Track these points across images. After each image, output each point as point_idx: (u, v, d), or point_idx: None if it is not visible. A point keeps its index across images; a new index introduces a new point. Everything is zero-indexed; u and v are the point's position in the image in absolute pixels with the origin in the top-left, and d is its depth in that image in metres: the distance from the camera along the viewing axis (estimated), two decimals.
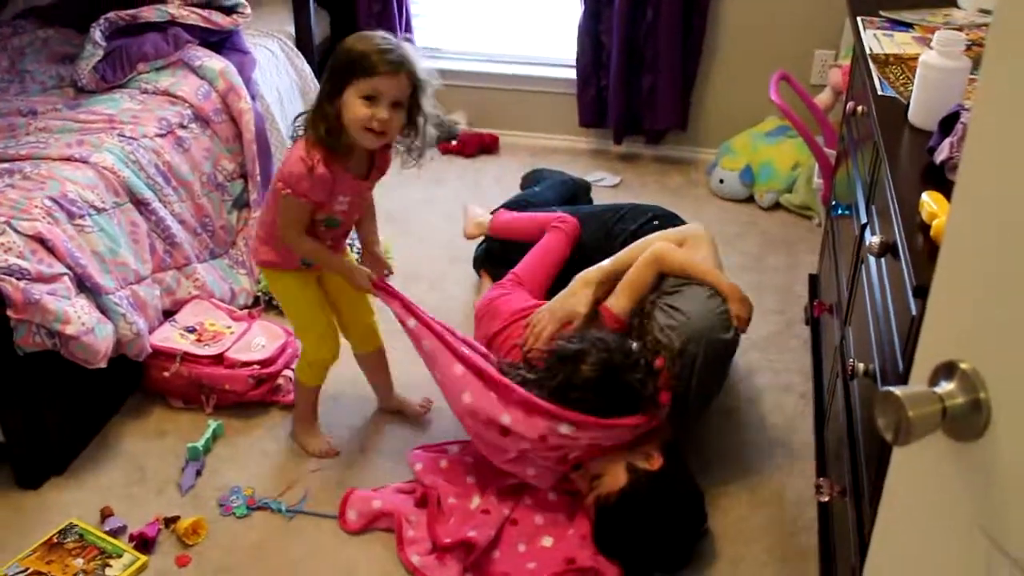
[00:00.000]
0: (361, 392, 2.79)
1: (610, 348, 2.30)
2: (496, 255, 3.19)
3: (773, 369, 2.89)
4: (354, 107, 2.15)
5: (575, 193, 3.48)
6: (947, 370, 0.91)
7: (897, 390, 0.89)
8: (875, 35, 2.41)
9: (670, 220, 2.91)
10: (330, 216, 2.33)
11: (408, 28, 4.23)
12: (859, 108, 2.40)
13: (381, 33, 2.21)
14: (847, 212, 2.42)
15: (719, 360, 2.46)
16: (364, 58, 2.13)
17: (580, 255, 2.89)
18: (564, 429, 2.22)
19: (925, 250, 1.47)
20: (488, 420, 2.28)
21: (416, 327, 2.39)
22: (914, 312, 1.47)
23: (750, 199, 3.88)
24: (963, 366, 0.89)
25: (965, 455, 0.90)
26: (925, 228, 1.51)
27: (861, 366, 1.83)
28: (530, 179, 3.69)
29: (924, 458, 0.97)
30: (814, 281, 3.15)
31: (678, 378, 2.33)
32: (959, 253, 0.94)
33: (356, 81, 2.14)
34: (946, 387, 0.89)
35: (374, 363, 2.70)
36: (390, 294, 2.41)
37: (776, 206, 3.83)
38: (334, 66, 2.18)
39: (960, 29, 2.37)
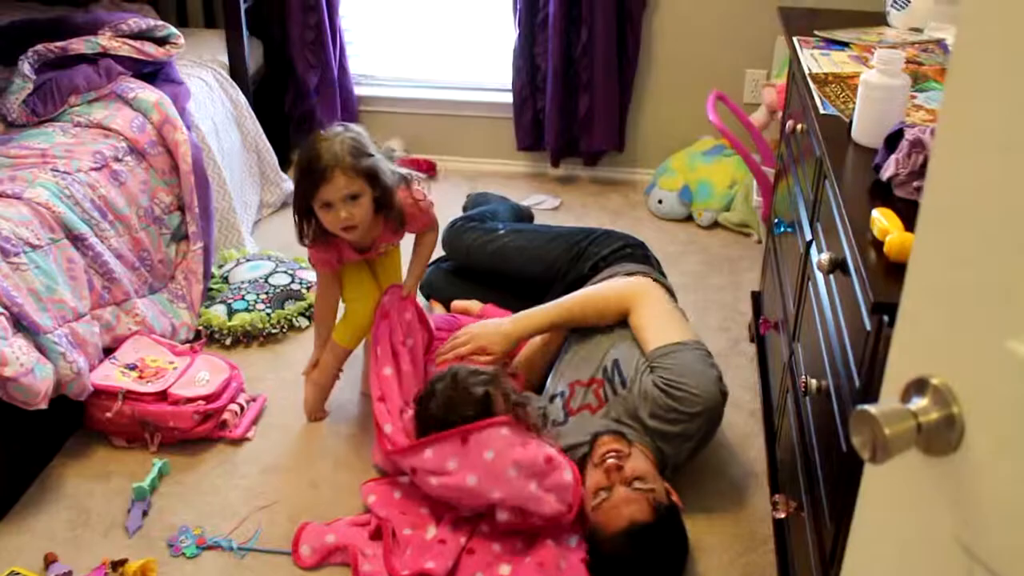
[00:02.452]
0: (313, 425, 2.76)
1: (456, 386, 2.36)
2: (448, 276, 3.18)
3: None
4: (321, 217, 2.44)
5: (519, 219, 3.48)
6: (919, 386, 0.91)
7: (871, 408, 0.89)
8: (812, 55, 2.45)
9: (640, 248, 2.90)
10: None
11: (342, 56, 4.21)
12: (799, 126, 2.43)
13: (321, 132, 2.43)
14: (790, 229, 2.45)
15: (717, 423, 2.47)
16: (305, 175, 2.40)
17: (548, 274, 2.89)
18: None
19: (880, 266, 1.48)
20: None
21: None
22: (869, 328, 1.49)
23: (689, 218, 3.92)
24: (934, 381, 0.90)
25: (939, 470, 0.91)
26: (877, 244, 1.53)
27: (814, 382, 1.85)
28: (475, 202, 3.68)
29: (897, 474, 0.97)
30: (757, 298, 3.18)
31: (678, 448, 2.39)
32: (926, 269, 0.95)
33: (311, 196, 2.40)
34: (919, 403, 0.90)
35: None
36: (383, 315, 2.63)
37: (715, 225, 3.87)
38: (295, 185, 2.51)
39: (893, 47, 2.42)
